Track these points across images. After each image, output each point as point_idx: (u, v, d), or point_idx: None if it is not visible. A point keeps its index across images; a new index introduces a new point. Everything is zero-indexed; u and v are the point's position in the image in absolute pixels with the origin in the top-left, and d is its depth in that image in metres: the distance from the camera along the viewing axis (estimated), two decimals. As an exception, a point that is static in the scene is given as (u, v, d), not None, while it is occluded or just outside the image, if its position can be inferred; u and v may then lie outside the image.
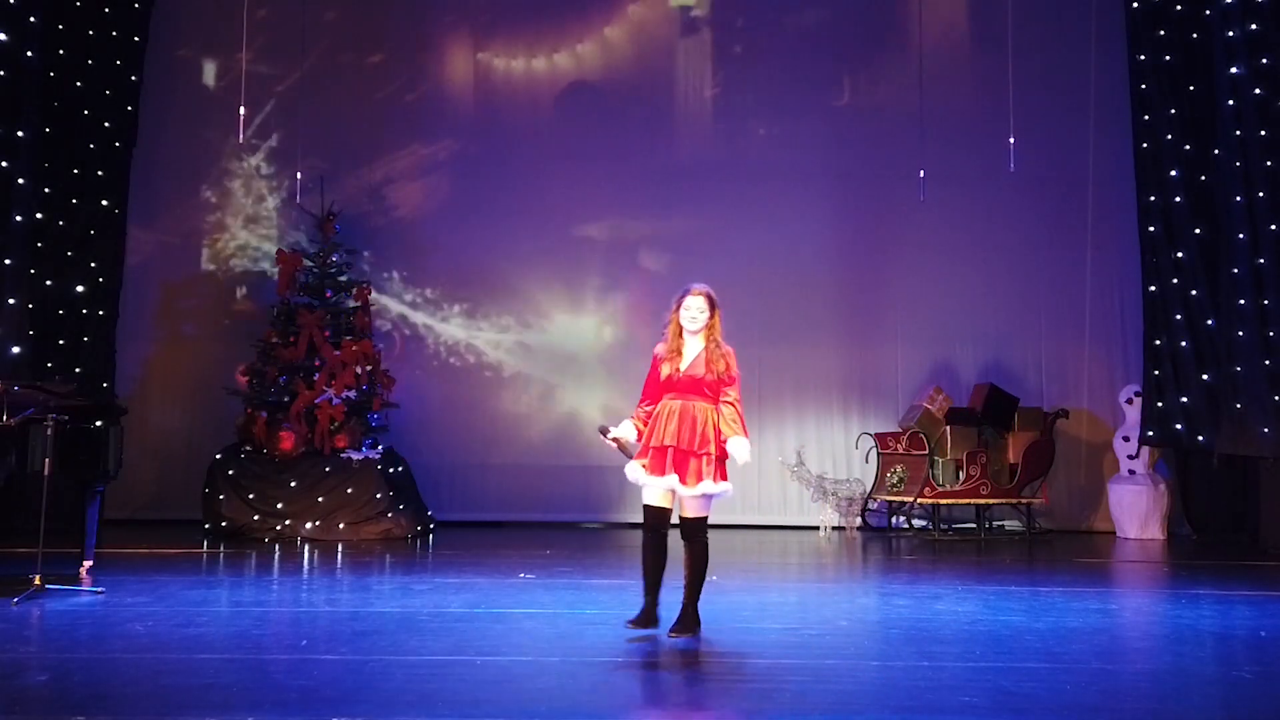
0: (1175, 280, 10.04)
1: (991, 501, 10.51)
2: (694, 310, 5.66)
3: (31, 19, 9.12)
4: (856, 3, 11.70)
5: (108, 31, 10.35)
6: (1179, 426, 9.97)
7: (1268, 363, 9.16)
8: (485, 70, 11.73)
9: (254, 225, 11.53)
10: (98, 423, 7.16)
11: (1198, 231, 9.91)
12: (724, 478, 5.61)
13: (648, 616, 5.59)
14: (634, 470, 5.64)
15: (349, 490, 9.83)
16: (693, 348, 5.68)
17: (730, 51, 11.79)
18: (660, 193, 11.56)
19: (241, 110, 8.94)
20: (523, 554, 8.84)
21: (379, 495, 9.87)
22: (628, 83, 11.74)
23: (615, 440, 5.72)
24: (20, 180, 8.97)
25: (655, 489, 5.57)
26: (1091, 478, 11.23)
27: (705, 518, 5.63)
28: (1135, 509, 10.61)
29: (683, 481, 5.50)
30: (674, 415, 5.57)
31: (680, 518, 5.63)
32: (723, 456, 5.58)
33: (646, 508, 5.64)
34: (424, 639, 5.57)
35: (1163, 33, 10.21)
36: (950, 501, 10.40)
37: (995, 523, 11.01)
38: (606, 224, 11.68)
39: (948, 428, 10.50)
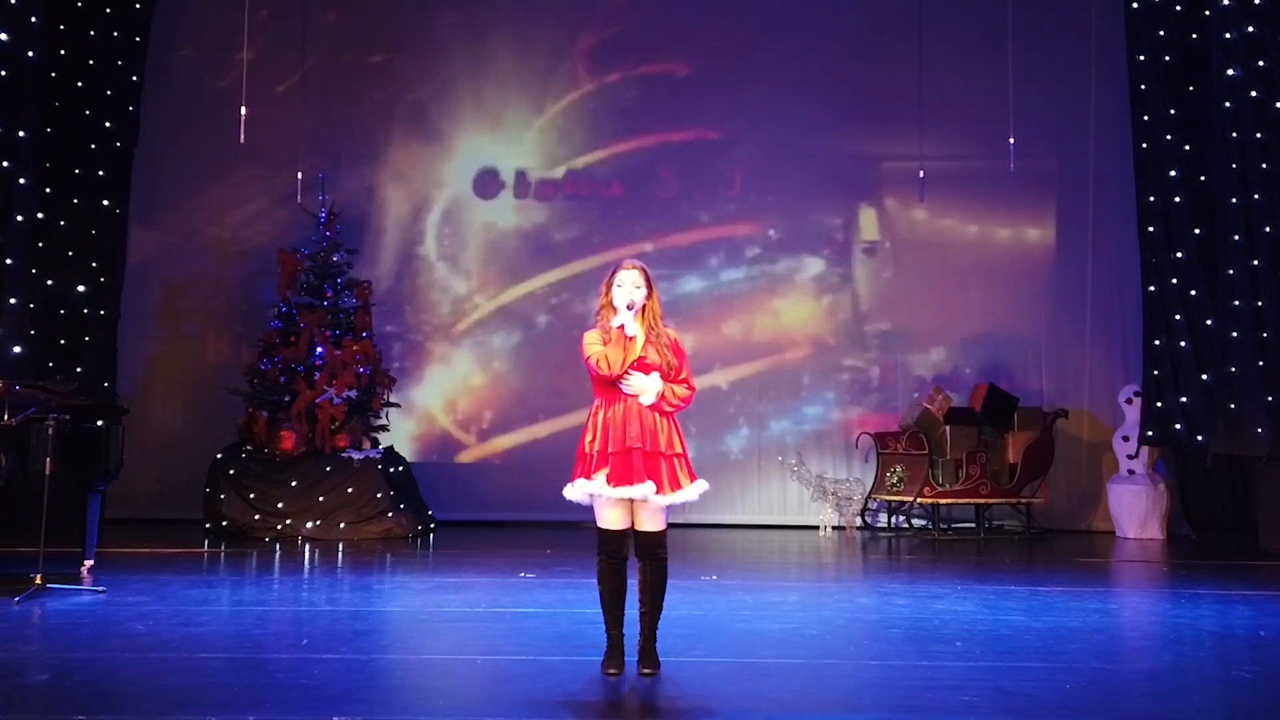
0: (1174, 280, 10.05)
1: (991, 501, 10.52)
2: (628, 286, 4.81)
3: (33, 19, 9.14)
4: (856, 4, 11.71)
5: (109, 32, 10.36)
6: (1178, 426, 9.98)
7: (1261, 364, 9.18)
8: (484, 69, 11.75)
9: (255, 225, 11.53)
10: (99, 422, 7.19)
11: (1197, 232, 9.93)
12: (693, 476, 4.85)
13: (622, 653, 4.87)
14: (585, 488, 4.73)
15: (349, 490, 9.84)
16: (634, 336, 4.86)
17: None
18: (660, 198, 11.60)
19: (243, 110, 8.94)
20: (523, 554, 8.85)
21: (379, 495, 9.88)
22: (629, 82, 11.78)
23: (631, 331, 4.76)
24: (21, 180, 8.99)
25: (616, 509, 4.73)
26: (1091, 477, 11.24)
27: (666, 531, 4.83)
28: (1134, 509, 10.61)
29: (659, 491, 4.70)
30: (629, 415, 4.75)
31: (638, 532, 4.79)
32: (686, 454, 4.87)
33: (606, 532, 4.77)
34: (424, 638, 5.59)
35: (1162, 33, 10.22)
36: (950, 501, 10.41)
37: (995, 522, 11.02)
38: (607, 224, 11.71)
39: (947, 427, 10.50)
